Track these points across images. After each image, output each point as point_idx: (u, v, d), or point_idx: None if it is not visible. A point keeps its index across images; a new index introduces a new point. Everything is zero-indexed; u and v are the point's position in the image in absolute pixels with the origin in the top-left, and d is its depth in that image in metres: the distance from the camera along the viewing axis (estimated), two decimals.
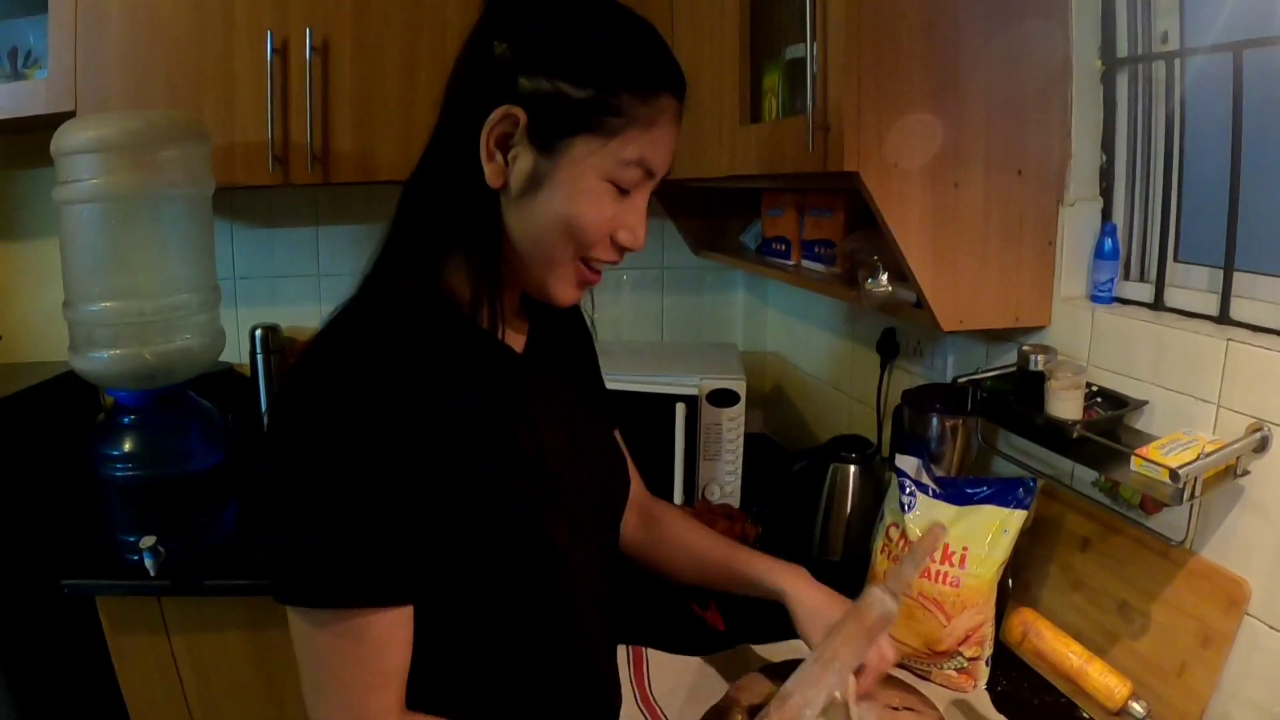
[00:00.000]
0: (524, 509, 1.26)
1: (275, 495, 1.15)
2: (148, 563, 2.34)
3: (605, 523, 1.53)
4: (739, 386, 2.66)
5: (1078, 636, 1.73)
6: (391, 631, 1.17)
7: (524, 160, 1.20)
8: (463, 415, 1.22)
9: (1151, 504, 1.74)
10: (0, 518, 2.55)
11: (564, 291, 1.31)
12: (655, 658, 1.94)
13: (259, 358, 3.08)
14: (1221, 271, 1.71)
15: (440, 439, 1.17)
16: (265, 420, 1.06)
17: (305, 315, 3.34)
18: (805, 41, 1.83)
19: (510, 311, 1.37)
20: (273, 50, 2.65)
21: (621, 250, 1.30)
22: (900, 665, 1.87)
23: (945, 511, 1.90)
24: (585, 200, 1.22)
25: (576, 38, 1.21)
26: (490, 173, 1.20)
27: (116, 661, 2.49)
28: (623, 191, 1.24)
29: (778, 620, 1.68)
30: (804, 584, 1.66)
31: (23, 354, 3.17)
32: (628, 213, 1.27)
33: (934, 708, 1.67)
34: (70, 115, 2.56)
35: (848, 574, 2.05)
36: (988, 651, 1.84)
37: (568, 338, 1.59)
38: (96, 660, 2.48)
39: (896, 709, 1.64)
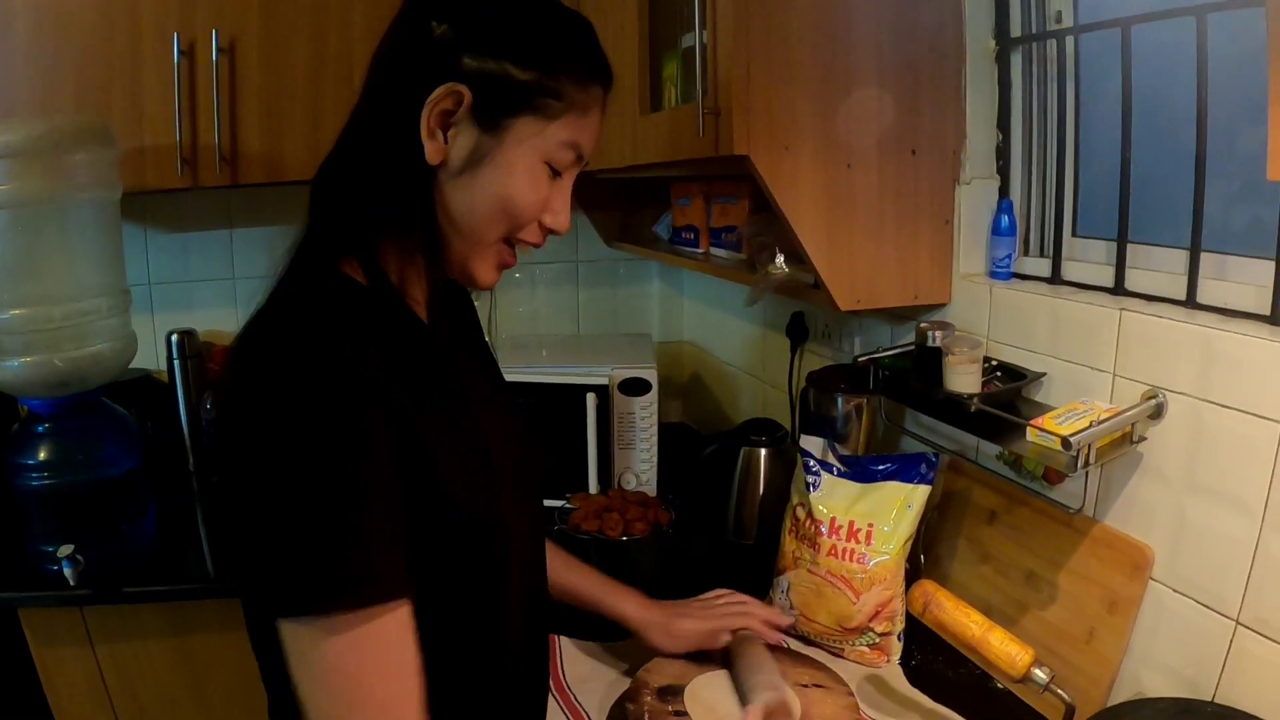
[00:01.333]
0: (477, 494, 1.24)
1: (258, 506, 1.04)
2: (67, 572, 2.27)
3: (535, 510, 1.52)
4: (650, 375, 2.63)
5: (987, 608, 1.74)
6: (407, 626, 1.07)
7: (465, 138, 1.18)
8: (419, 406, 1.16)
9: (1054, 475, 1.73)
10: None
11: (485, 273, 1.29)
12: (566, 645, 1.91)
13: (176, 363, 2.99)
14: (1116, 244, 1.70)
15: (405, 430, 1.11)
16: (222, 428, 1.00)
17: (221, 319, 3.26)
18: (695, 29, 1.81)
19: (423, 299, 1.32)
20: (180, 52, 2.58)
21: (545, 233, 1.29)
22: (812, 643, 1.87)
23: (850, 489, 1.88)
24: (524, 179, 1.21)
25: (521, 22, 1.21)
26: (430, 150, 1.18)
27: (42, 674, 2.41)
28: (555, 174, 1.24)
29: None
30: (646, 606, 1.77)
31: None
32: (556, 196, 1.26)
33: (844, 684, 1.68)
34: None
35: (762, 555, 2.04)
36: (899, 627, 1.82)
37: (471, 329, 1.58)
38: (22, 673, 2.41)
39: (806, 686, 1.65)
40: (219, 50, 2.60)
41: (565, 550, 1.79)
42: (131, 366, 2.57)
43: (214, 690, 2.47)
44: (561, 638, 1.92)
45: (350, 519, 1.03)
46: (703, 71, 1.81)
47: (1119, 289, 1.69)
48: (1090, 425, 1.47)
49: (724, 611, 1.78)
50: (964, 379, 1.77)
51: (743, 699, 1.58)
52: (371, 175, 1.21)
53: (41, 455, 2.33)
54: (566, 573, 1.75)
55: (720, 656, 1.72)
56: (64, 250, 2.31)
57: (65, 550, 2.27)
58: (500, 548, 1.28)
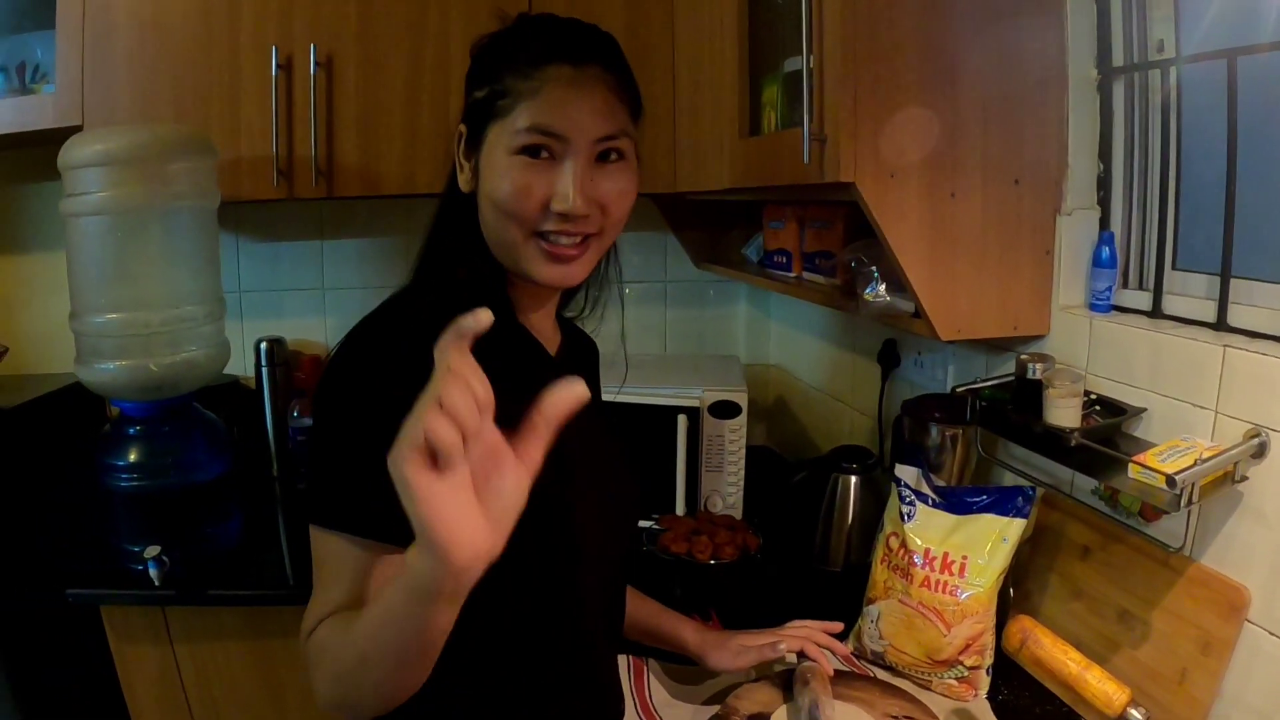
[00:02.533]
0: (549, 495, 1.25)
1: (315, 435, 1.33)
2: (152, 572, 2.31)
3: (619, 533, 1.57)
4: (740, 398, 2.63)
5: (1078, 645, 1.70)
6: (371, 564, 1.24)
7: (472, 162, 1.39)
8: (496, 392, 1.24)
9: (1151, 511, 1.72)
10: (7, 527, 2.56)
11: (539, 268, 1.37)
12: (656, 668, 1.93)
13: (264, 370, 3.05)
14: (1219, 278, 1.69)
15: None
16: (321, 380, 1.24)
17: (310, 328, 3.34)
18: (802, 54, 1.82)
19: (544, 319, 1.52)
20: (278, 66, 2.64)
21: (564, 218, 1.34)
22: (901, 674, 1.87)
23: (944, 520, 1.88)
24: (499, 175, 1.33)
25: (486, 53, 1.40)
26: (461, 181, 1.42)
27: (120, 670, 2.46)
28: (542, 158, 1.32)
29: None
30: (697, 629, 1.85)
31: (30, 365, 3.16)
32: (556, 180, 1.32)
33: (934, 716, 1.67)
34: (77, 129, 2.56)
35: (849, 584, 2.04)
36: (988, 660, 1.82)
37: (587, 363, 1.72)
38: (101, 669, 2.46)
39: (896, 718, 1.65)
40: (316, 64, 2.66)
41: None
42: (224, 373, 2.64)
43: (290, 694, 2.50)
44: (649, 660, 1.94)
45: (365, 471, 1.14)
46: (809, 96, 1.81)
47: (1221, 324, 1.68)
48: (1194, 464, 1.46)
49: (783, 633, 1.81)
50: (1064, 413, 1.76)
51: None
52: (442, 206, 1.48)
53: (132, 457, 2.42)
54: (629, 601, 1.79)
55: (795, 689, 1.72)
56: (162, 257, 2.39)
57: (152, 551, 2.32)
58: (562, 547, 1.36)
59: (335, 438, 1.26)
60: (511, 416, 1.26)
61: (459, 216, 1.42)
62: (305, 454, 1.34)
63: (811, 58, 1.81)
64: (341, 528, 1.23)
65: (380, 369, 1.24)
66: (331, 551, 1.24)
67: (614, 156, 1.37)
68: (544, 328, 1.51)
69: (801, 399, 3.43)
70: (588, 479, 1.43)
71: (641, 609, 1.86)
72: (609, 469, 1.55)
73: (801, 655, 1.76)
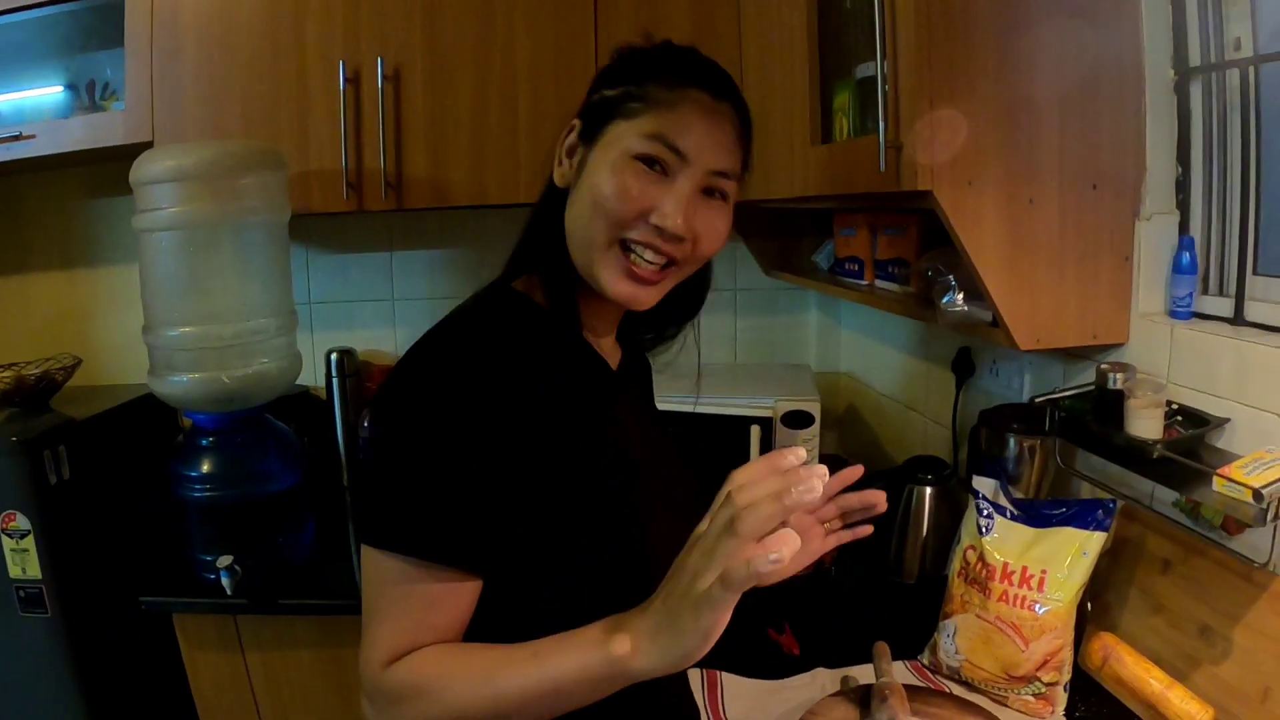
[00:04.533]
0: (614, 495, 1.35)
1: (376, 452, 1.26)
2: (225, 582, 2.35)
3: (680, 532, 1.54)
4: (813, 407, 2.63)
5: (1158, 660, 1.70)
6: (448, 588, 1.23)
7: (578, 156, 1.38)
8: (558, 404, 1.31)
9: (1234, 525, 1.69)
10: (82, 535, 2.59)
11: (611, 280, 1.35)
12: (730, 681, 1.92)
13: (334, 381, 3.08)
14: None
15: (535, 424, 1.26)
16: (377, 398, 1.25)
17: (380, 339, 3.36)
18: (875, 60, 1.80)
19: (606, 334, 1.51)
20: (345, 79, 2.67)
21: (658, 235, 1.32)
22: (977, 690, 1.86)
23: (1023, 533, 1.87)
24: (610, 172, 1.31)
25: (627, 59, 1.41)
26: (557, 175, 1.41)
27: (192, 677, 2.51)
28: (655, 170, 1.32)
29: (852, 644, 1.66)
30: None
31: (104, 377, 3.20)
32: (666, 196, 1.31)
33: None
34: (148, 146, 2.60)
35: (924, 596, 2.02)
36: (1066, 677, 1.79)
37: (644, 376, 1.70)
38: (172, 676, 2.51)
39: None
40: (384, 78, 2.68)
41: None
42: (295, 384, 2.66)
43: (357, 701, 2.49)
44: (723, 674, 1.93)
45: (430, 492, 1.21)
46: (883, 104, 1.79)
47: None
48: None
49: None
50: (1146, 424, 1.74)
51: None
52: (537, 208, 1.45)
53: (205, 468, 2.44)
54: None
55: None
56: (234, 270, 2.41)
57: (224, 561, 2.36)
58: (636, 549, 1.35)
59: (404, 456, 1.23)
60: (574, 426, 1.32)
61: (549, 212, 1.41)
62: (364, 469, 1.31)
63: (885, 63, 1.79)
64: (412, 551, 1.20)
65: (454, 388, 1.23)
66: (398, 576, 1.21)
67: (719, 195, 1.37)
68: (606, 343, 1.51)
69: (873, 408, 3.41)
70: (655, 486, 1.44)
71: None
72: (671, 474, 1.55)
73: (878, 669, 1.75)
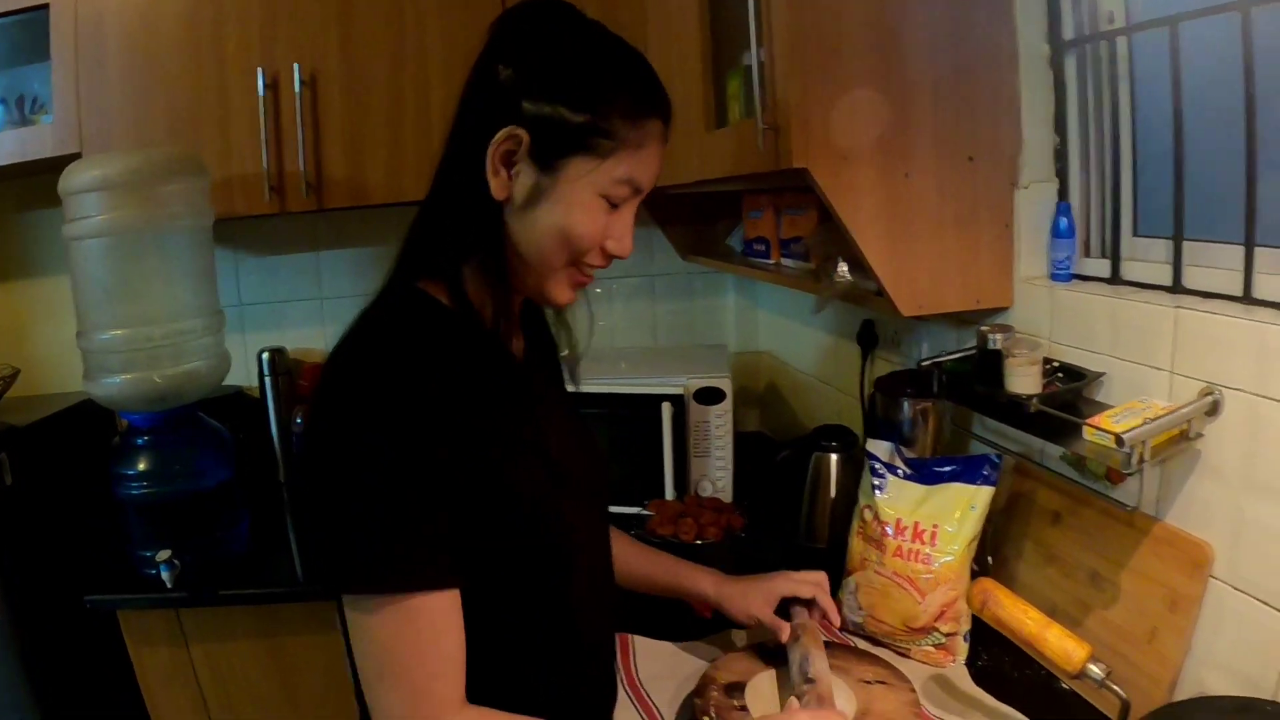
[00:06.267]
0: (542, 497, 1.32)
1: (324, 490, 1.19)
2: (164, 575, 2.34)
3: (601, 514, 1.58)
4: (725, 384, 2.62)
5: (1053, 609, 1.72)
6: (447, 615, 1.19)
7: (526, 176, 1.26)
8: (484, 411, 1.26)
9: (1116, 475, 1.68)
10: (27, 538, 2.56)
11: (561, 293, 1.36)
12: (641, 644, 1.92)
13: (267, 379, 3.05)
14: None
15: (467, 432, 1.21)
16: (306, 433, 1.16)
17: (310, 337, 3.33)
18: (752, 47, 1.82)
19: (512, 328, 1.44)
20: (265, 85, 2.65)
21: (610, 257, 1.35)
22: (880, 643, 1.86)
23: (915, 491, 1.87)
24: (580, 213, 1.27)
25: (576, 66, 1.27)
26: (495, 186, 1.26)
27: (139, 672, 2.48)
28: (613, 205, 1.30)
29: None
30: (721, 580, 1.80)
31: (43, 386, 3.16)
32: (616, 224, 1.32)
33: (907, 680, 1.67)
34: (76, 157, 2.57)
35: (833, 559, 2.01)
36: (965, 627, 1.79)
37: (546, 346, 1.63)
38: (120, 673, 2.48)
39: (869, 682, 1.65)
40: (301, 83, 2.67)
41: (638, 540, 1.83)
42: (225, 383, 2.66)
43: (302, 689, 2.51)
44: (635, 637, 1.93)
45: (403, 517, 1.15)
46: (761, 88, 1.81)
47: (1177, 287, 1.65)
48: (1144, 423, 1.44)
49: (798, 578, 1.78)
50: (1024, 380, 1.74)
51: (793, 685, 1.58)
52: (453, 207, 1.30)
53: (141, 466, 2.42)
54: (642, 560, 1.81)
55: (781, 655, 1.71)
56: (160, 274, 2.39)
57: (163, 555, 2.34)
58: (565, 545, 1.35)
59: (361, 487, 1.15)
60: (489, 423, 1.27)
61: (478, 220, 1.29)
62: (312, 507, 1.20)
63: (761, 50, 1.80)
64: (407, 586, 1.15)
65: (397, 404, 1.16)
66: (400, 618, 1.15)
67: None
68: (510, 333, 1.44)
69: (791, 384, 3.41)
70: (573, 474, 1.41)
71: (657, 567, 1.83)
72: (585, 457, 1.53)
73: (792, 613, 1.75)
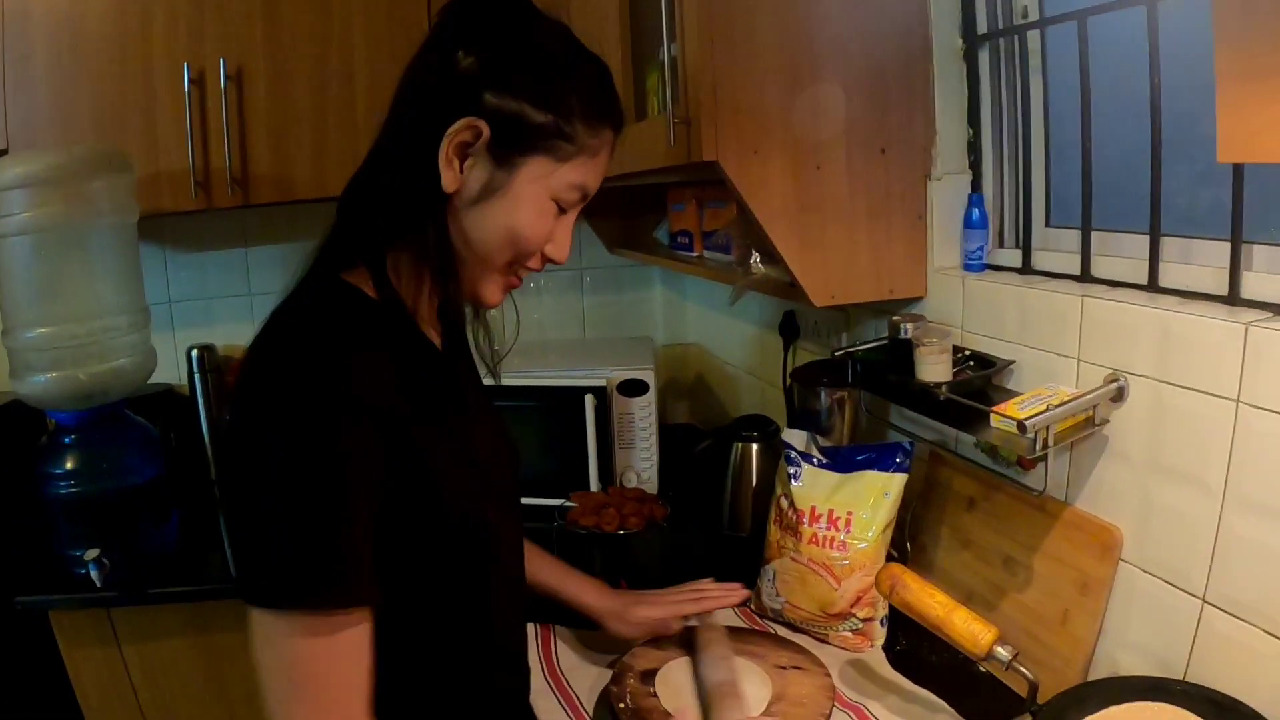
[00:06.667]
0: (466, 497, 1.26)
1: (245, 504, 1.09)
2: (93, 574, 2.29)
3: (517, 508, 1.54)
4: (648, 376, 2.61)
5: (969, 594, 1.73)
6: (363, 631, 1.09)
7: (480, 170, 1.21)
8: (413, 410, 1.19)
9: (1027, 461, 1.69)
10: None
11: (492, 294, 1.32)
12: (563, 634, 1.90)
13: (196, 377, 2.97)
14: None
15: (391, 426, 1.13)
16: (227, 431, 1.07)
17: (240, 333, 3.21)
18: (664, 42, 1.81)
19: (433, 316, 1.37)
20: (190, 80, 2.58)
21: (546, 261, 1.32)
22: (799, 629, 1.85)
23: (829, 479, 1.86)
24: (532, 214, 1.24)
25: (544, 64, 1.23)
26: (447, 178, 1.20)
27: (72, 673, 2.43)
28: (561, 210, 1.27)
29: None
30: (605, 594, 1.79)
31: None
32: (559, 229, 1.29)
33: (822, 665, 1.67)
34: (3, 153, 2.52)
35: (755, 547, 2.00)
36: (881, 612, 1.78)
37: (460, 341, 1.57)
38: (53, 674, 2.42)
39: (785, 668, 1.65)
40: (227, 78, 2.61)
41: (532, 543, 1.77)
42: (155, 381, 2.61)
43: (235, 686, 2.46)
44: (556, 627, 1.92)
45: (322, 528, 1.05)
46: (673, 82, 1.81)
47: (1085, 276, 1.65)
48: (1047, 409, 1.43)
49: (678, 599, 1.78)
50: (935, 369, 1.73)
51: (701, 694, 1.59)
52: (391, 195, 1.22)
53: (68, 465, 2.37)
54: (534, 563, 1.75)
55: (688, 645, 1.73)
56: (85, 272, 2.35)
57: (91, 554, 2.30)
58: (487, 546, 1.31)
59: (283, 493, 1.05)
60: (415, 418, 1.19)
61: (423, 211, 1.22)
62: (234, 510, 1.09)
63: (675, 45, 1.79)
64: (326, 604, 1.05)
65: (323, 405, 1.06)
66: (313, 633, 1.04)
67: None
68: (432, 322, 1.39)
69: (718, 375, 3.40)
70: (494, 471, 1.38)
71: (550, 572, 1.80)
72: (504, 454, 1.49)
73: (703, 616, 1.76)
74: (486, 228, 1.23)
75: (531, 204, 1.23)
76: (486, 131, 1.18)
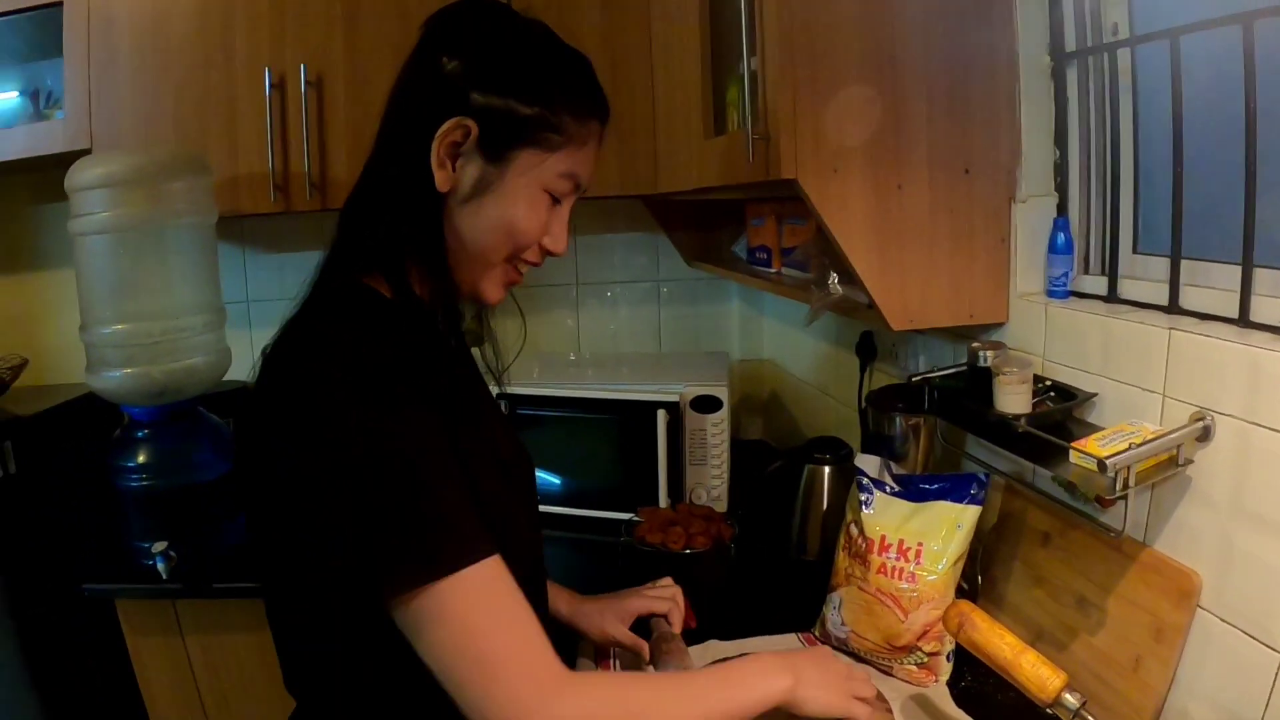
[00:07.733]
0: (496, 497, 1.28)
1: (342, 499, 1.11)
2: (160, 566, 2.32)
3: (536, 516, 1.56)
4: (722, 393, 2.57)
5: (1039, 632, 1.67)
6: (508, 574, 1.16)
7: (472, 168, 1.25)
8: (444, 403, 1.22)
9: (1106, 500, 1.61)
10: (29, 527, 2.55)
11: (494, 291, 1.35)
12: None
13: None
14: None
15: (451, 428, 1.19)
16: (260, 428, 1.10)
17: None
18: (744, 55, 1.79)
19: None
20: (271, 85, 2.61)
21: (545, 254, 1.35)
22: (862, 660, 1.80)
23: (901, 508, 1.80)
24: (526, 206, 1.27)
25: (526, 60, 1.27)
26: (440, 178, 1.24)
27: (135, 662, 2.46)
28: (554, 201, 1.31)
29: (749, 618, 1.84)
30: (576, 600, 1.80)
31: (50, 376, 3.15)
32: (554, 221, 1.32)
33: (884, 700, 1.59)
34: (86, 153, 2.56)
35: (822, 572, 1.95)
36: (948, 647, 1.72)
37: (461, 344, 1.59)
38: (117, 661, 2.46)
39: None
40: (307, 83, 2.63)
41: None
42: (230, 379, 2.62)
43: None
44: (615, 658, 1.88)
45: (447, 494, 1.13)
46: (753, 97, 1.78)
47: (1173, 307, 1.58)
48: (1129, 448, 1.37)
49: (653, 594, 1.81)
50: (1014, 399, 1.68)
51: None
52: (389, 199, 1.27)
53: (140, 459, 2.41)
54: None
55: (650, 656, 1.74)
56: (162, 271, 2.38)
57: (159, 546, 2.33)
58: (516, 546, 1.28)
59: (397, 473, 1.10)
60: (462, 414, 1.26)
61: (422, 213, 1.26)
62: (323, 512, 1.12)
63: (754, 59, 1.77)
64: (481, 553, 1.12)
65: (403, 400, 1.14)
66: (487, 589, 1.13)
67: None
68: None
69: (793, 393, 3.35)
70: (516, 473, 1.41)
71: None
72: (521, 456, 1.52)
73: (652, 625, 1.78)
74: (482, 223, 1.27)
75: (525, 196, 1.27)
76: (475, 129, 1.22)
